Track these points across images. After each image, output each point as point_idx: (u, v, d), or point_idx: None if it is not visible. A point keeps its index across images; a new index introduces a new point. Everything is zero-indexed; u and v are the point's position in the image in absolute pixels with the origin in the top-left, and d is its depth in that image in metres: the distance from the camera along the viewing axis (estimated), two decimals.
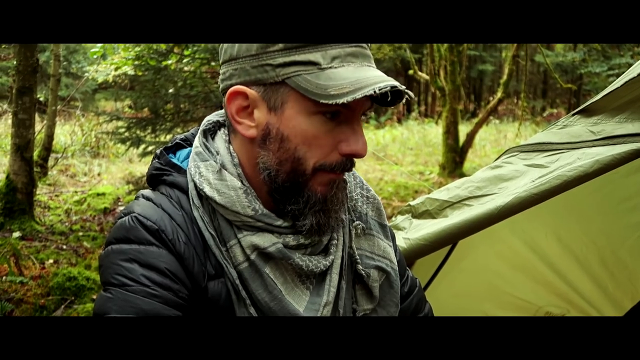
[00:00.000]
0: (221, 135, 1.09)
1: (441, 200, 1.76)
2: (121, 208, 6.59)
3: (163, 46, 5.95)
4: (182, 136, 1.17)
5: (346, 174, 1.13)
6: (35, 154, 6.44)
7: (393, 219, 1.90)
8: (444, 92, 10.03)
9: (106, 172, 9.26)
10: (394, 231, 1.66)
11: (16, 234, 5.00)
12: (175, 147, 1.16)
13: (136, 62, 6.11)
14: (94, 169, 9.40)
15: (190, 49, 5.79)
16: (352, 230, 1.14)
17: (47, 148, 8.22)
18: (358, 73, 0.96)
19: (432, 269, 2.02)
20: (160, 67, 5.87)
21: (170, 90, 5.95)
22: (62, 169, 9.10)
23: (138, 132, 5.97)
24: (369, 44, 1.03)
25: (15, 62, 5.40)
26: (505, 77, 10.00)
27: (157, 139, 5.95)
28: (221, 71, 1.05)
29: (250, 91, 0.99)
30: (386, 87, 0.92)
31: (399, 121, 19.31)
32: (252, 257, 1.01)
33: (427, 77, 11.15)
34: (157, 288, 0.95)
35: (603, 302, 2.27)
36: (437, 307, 1.44)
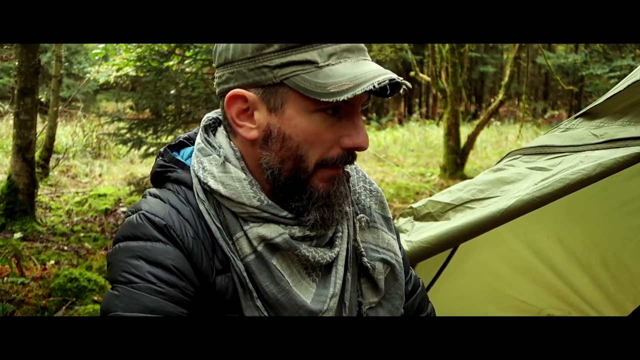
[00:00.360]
0: (222, 131, 1.10)
1: (443, 202, 1.76)
2: (122, 209, 6.60)
3: (165, 47, 5.96)
4: (186, 135, 1.18)
5: (349, 168, 1.15)
6: (37, 154, 6.44)
7: (395, 221, 1.90)
8: (445, 94, 10.02)
9: (107, 173, 9.26)
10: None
11: (17, 235, 5.00)
12: (179, 146, 1.17)
13: (138, 64, 6.12)
14: (95, 169, 9.40)
15: (191, 51, 5.80)
16: (357, 223, 1.15)
17: (49, 149, 8.23)
18: (356, 68, 0.96)
19: (434, 270, 2.02)
20: (162, 69, 5.88)
21: (172, 92, 5.96)
22: (64, 170, 9.10)
23: (139, 133, 5.98)
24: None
25: (17, 63, 5.41)
26: (506, 78, 10.00)
27: (159, 140, 5.96)
28: (216, 75, 1.06)
29: (249, 94, 1.00)
30: (385, 81, 0.94)
31: (400, 122, 19.31)
32: (259, 248, 1.01)
33: (429, 79, 11.15)
34: (163, 285, 0.95)
35: (605, 304, 2.26)
36: (439, 309, 1.44)
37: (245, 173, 1.04)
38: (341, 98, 0.93)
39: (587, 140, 1.60)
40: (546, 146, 1.69)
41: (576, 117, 1.74)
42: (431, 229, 1.70)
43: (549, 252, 2.20)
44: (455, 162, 9.75)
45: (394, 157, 12.33)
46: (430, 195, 1.86)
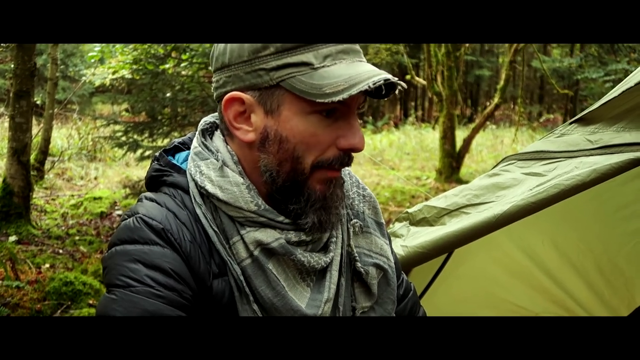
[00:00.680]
0: (218, 135, 1.10)
1: (439, 207, 1.76)
2: (118, 212, 6.58)
3: (161, 50, 5.96)
4: (180, 140, 1.19)
5: (343, 173, 1.15)
6: (32, 157, 6.42)
7: (391, 225, 1.90)
8: (441, 97, 10.05)
9: (103, 176, 9.24)
10: (392, 238, 1.66)
11: (12, 238, 4.98)
12: (174, 150, 1.17)
13: (134, 66, 6.12)
14: (91, 172, 9.38)
15: (187, 54, 5.80)
16: (350, 228, 1.15)
17: (44, 151, 8.20)
18: (351, 69, 0.97)
19: (429, 275, 2.02)
20: (158, 72, 5.87)
21: (168, 95, 5.96)
22: (59, 173, 9.08)
23: (135, 136, 5.97)
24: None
25: (12, 66, 5.39)
26: (502, 82, 10.04)
27: (155, 143, 5.95)
28: (214, 79, 1.06)
29: (246, 96, 1.01)
30: (380, 81, 0.94)
31: (396, 126, 19.34)
32: (256, 253, 1.01)
33: (425, 82, 11.17)
34: (161, 289, 0.95)
35: (599, 309, 2.27)
36: (435, 313, 1.45)
37: (243, 177, 1.04)
38: (337, 99, 0.93)
39: (582, 146, 1.61)
40: (541, 152, 1.70)
41: (571, 123, 1.74)
42: (427, 234, 1.70)
43: (544, 257, 2.20)
44: (451, 166, 9.77)
45: (390, 160, 12.35)
46: (426, 199, 1.86)
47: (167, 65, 6.00)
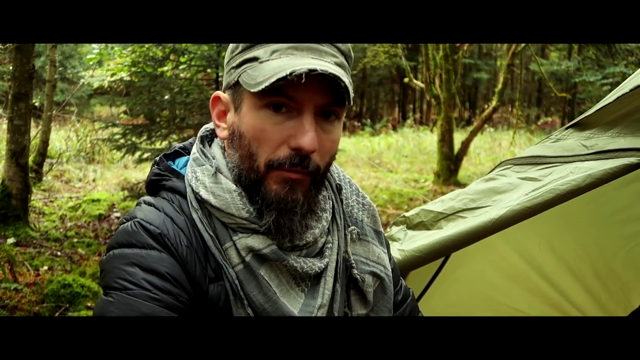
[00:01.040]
0: (217, 141, 1.12)
1: (436, 212, 1.77)
2: (116, 214, 6.58)
3: (159, 53, 5.96)
4: (181, 145, 1.20)
5: (342, 182, 1.17)
6: (30, 159, 6.42)
7: (388, 229, 1.91)
8: (439, 100, 10.06)
9: (101, 178, 9.23)
10: (389, 242, 1.67)
11: (11, 240, 4.98)
12: (174, 155, 1.18)
13: (132, 69, 6.12)
14: (89, 174, 9.37)
15: (186, 56, 5.80)
16: (347, 235, 1.15)
17: (42, 153, 8.19)
18: (290, 62, 0.95)
19: (426, 278, 2.03)
20: (156, 74, 5.88)
21: (166, 97, 5.96)
22: (57, 175, 9.07)
23: (134, 138, 5.97)
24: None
25: (11, 68, 5.40)
26: (500, 85, 10.06)
27: (153, 146, 5.95)
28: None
29: (224, 95, 1.06)
30: (301, 70, 0.91)
31: (394, 128, 19.36)
32: (247, 259, 1.02)
33: (423, 85, 11.20)
34: (158, 292, 0.95)
35: (596, 312, 2.28)
36: None
37: (235, 184, 1.05)
38: (260, 88, 0.94)
39: (577, 151, 1.62)
40: (537, 156, 1.71)
41: (567, 128, 1.76)
42: (423, 237, 1.71)
43: (540, 260, 2.21)
44: (449, 168, 9.78)
45: (388, 163, 12.36)
46: (424, 202, 1.87)
47: (165, 68, 6.00)
